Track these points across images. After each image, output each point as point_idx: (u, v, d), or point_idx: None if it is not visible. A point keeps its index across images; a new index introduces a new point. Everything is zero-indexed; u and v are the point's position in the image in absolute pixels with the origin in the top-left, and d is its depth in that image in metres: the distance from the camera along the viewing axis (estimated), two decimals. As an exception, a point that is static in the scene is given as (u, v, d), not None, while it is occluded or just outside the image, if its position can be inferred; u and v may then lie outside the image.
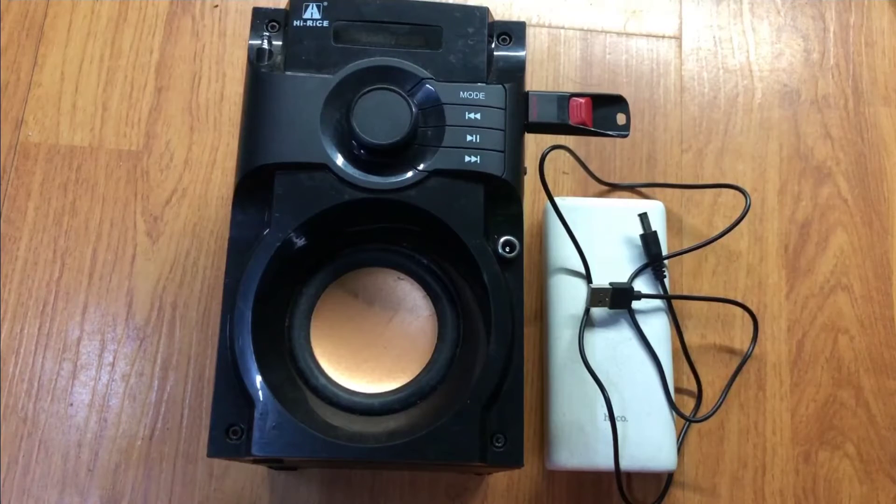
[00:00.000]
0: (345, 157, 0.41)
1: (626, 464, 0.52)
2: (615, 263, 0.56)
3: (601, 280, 0.55)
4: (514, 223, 0.42)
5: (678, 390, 0.57)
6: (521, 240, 0.42)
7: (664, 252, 0.56)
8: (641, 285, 0.55)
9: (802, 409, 0.58)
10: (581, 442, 0.52)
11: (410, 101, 0.40)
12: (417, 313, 0.43)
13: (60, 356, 0.56)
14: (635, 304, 0.55)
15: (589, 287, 0.53)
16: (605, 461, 0.51)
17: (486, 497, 0.55)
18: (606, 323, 0.54)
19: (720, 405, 0.56)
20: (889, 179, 0.64)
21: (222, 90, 0.62)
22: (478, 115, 0.41)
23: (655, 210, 0.57)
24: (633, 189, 0.63)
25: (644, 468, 0.52)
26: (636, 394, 0.53)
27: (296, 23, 0.43)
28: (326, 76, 0.42)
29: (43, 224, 0.58)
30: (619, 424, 0.52)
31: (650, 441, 0.52)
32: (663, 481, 0.56)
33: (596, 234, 0.56)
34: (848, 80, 0.67)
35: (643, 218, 0.56)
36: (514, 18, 0.45)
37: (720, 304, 0.59)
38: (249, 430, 0.38)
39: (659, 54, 0.67)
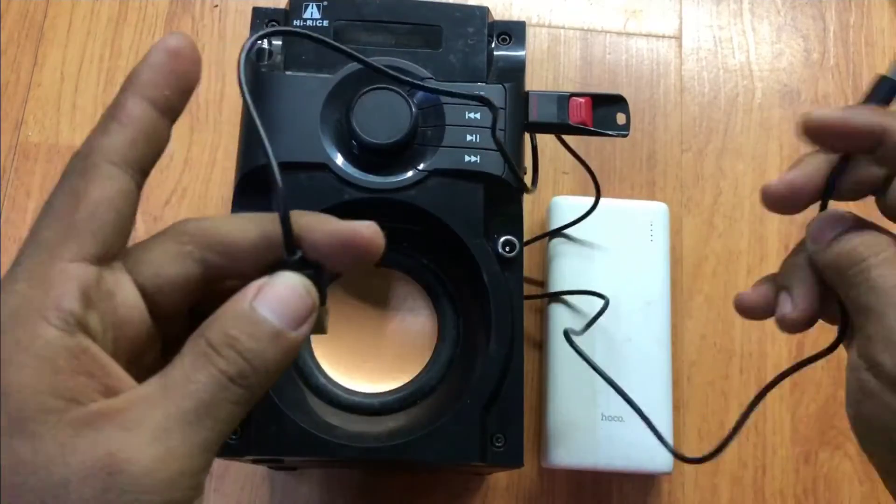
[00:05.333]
0: (345, 156, 0.41)
1: (622, 464, 0.52)
2: (616, 263, 0.56)
3: (601, 280, 0.55)
4: (514, 223, 0.42)
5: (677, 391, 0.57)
6: (521, 239, 0.42)
7: (667, 254, 0.56)
8: (644, 293, 0.55)
9: (802, 409, 0.58)
10: (578, 441, 0.52)
11: (410, 101, 0.40)
12: (417, 313, 0.43)
13: (60, 356, 0.55)
14: (636, 305, 0.55)
15: None
16: (602, 460, 0.51)
17: (486, 497, 0.55)
18: (606, 323, 0.54)
19: (727, 444, 0.48)
20: (889, 179, 0.64)
21: (222, 90, 0.62)
22: (477, 115, 0.41)
23: (659, 212, 0.57)
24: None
25: (640, 469, 0.52)
26: (634, 394, 0.53)
27: (296, 23, 0.43)
28: (326, 76, 0.42)
29: (43, 224, 0.58)
30: (616, 425, 0.52)
31: (647, 442, 0.52)
32: (660, 483, 0.56)
33: (598, 233, 0.56)
34: (848, 80, 0.67)
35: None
36: (514, 18, 0.45)
37: (720, 304, 0.59)
38: (249, 430, 0.38)
39: (659, 54, 0.67)
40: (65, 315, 0.22)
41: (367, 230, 0.26)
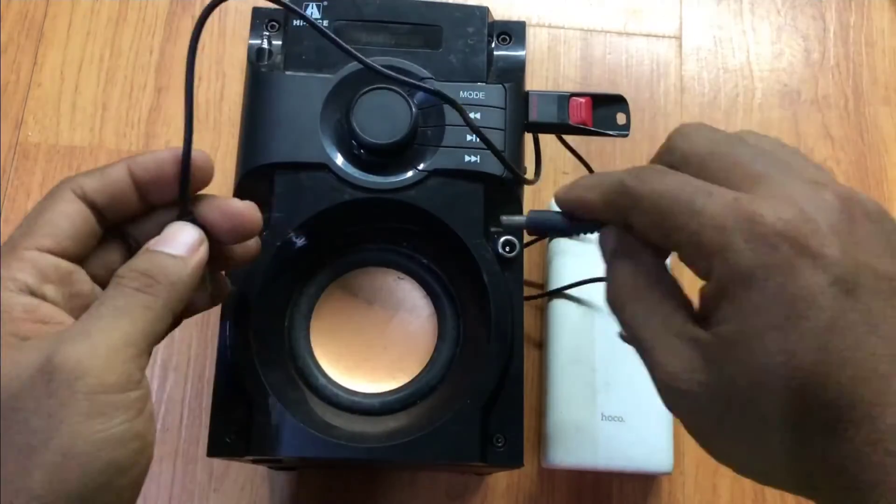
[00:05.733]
0: (345, 156, 0.41)
1: (621, 464, 0.52)
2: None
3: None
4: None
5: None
6: (521, 239, 0.42)
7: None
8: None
9: (802, 409, 0.58)
10: (578, 441, 0.52)
11: (410, 101, 0.40)
12: (417, 313, 0.43)
13: (60, 356, 0.55)
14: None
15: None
16: (601, 460, 0.51)
17: (486, 497, 0.55)
18: (607, 322, 0.54)
19: None
20: (889, 179, 0.64)
21: (222, 90, 0.62)
22: (478, 115, 0.41)
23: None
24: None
25: (639, 469, 0.52)
26: (634, 394, 0.53)
27: (295, 22, 0.43)
28: (326, 76, 0.42)
29: (43, 224, 0.58)
30: (616, 425, 0.52)
31: (646, 442, 0.52)
32: (660, 483, 0.56)
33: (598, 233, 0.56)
34: (848, 80, 0.67)
35: None
36: (514, 18, 0.45)
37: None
38: (249, 430, 0.38)
39: (659, 54, 0.67)
40: (19, 284, 0.29)
41: (245, 205, 0.33)
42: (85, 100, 0.61)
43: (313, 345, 0.42)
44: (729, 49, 0.67)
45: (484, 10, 0.44)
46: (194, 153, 0.32)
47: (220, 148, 0.61)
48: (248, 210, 0.33)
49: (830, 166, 0.64)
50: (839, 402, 0.24)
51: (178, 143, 0.60)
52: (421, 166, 0.41)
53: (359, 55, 0.36)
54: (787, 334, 0.25)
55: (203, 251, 0.32)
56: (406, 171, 0.41)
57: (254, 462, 0.45)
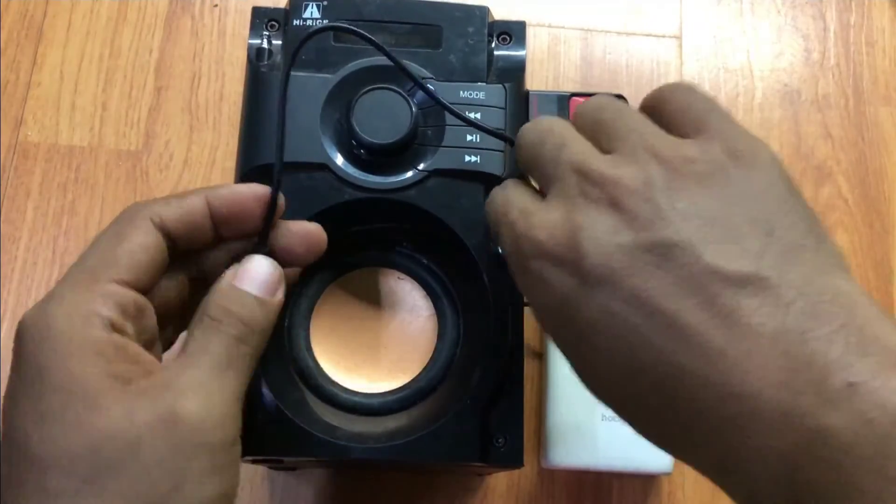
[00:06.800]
0: (345, 156, 0.41)
1: (621, 465, 0.52)
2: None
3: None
4: (515, 223, 0.42)
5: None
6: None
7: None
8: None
9: (803, 409, 0.58)
10: (578, 441, 0.52)
11: (410, 101, 0.40)
12: (417, 313, 0.43)
13: (60, 356, 0.55)
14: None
15: None
16: (602, 461, 0.51)
17: (486, 497, 0.55)
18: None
19: None
20: (890, 179, 0.64)
21: (222, 90, 0.62)
22: (478, 115, 0.41)
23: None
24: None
25: (639, 469, 0.52)
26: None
27: (295, 22, 0.43)
28: (326, 76, 0.41)
29: (42, 224, 0.58)
30: (616, 425, 0.51)
31: (646, 442, 0.52)
32: (660, 483, 0.55)
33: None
34: (848, 79, 0.67)
35: None
36: (514, 18, 0.45)
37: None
38: (249, 430, 0.38)
39: (659, 54, 0.67)
40: (105, 321, 0.28)
41: (314, 226, 0.35)
42: (84, 99, 0.61)
43: (313, 345, 0.42)
44: (729, 49, 0.67)
45: (484, 10, 0.44)
46: (272, 192, 0.33)
47: (219, 148, 0.61)
48: (318, 231, 0.35)
49: (831, 166, 0.64)
50: (669, 377, 0.26)
51: (178, 142, 0.61)
52: (421, 166, 0.41)
53: (407, 69, 0.36)
54: (564, 336, 0.28)
55: (283, 291, 0.32)
56: (406, 171, 0.41)
57: (254, 462, 0.45)
